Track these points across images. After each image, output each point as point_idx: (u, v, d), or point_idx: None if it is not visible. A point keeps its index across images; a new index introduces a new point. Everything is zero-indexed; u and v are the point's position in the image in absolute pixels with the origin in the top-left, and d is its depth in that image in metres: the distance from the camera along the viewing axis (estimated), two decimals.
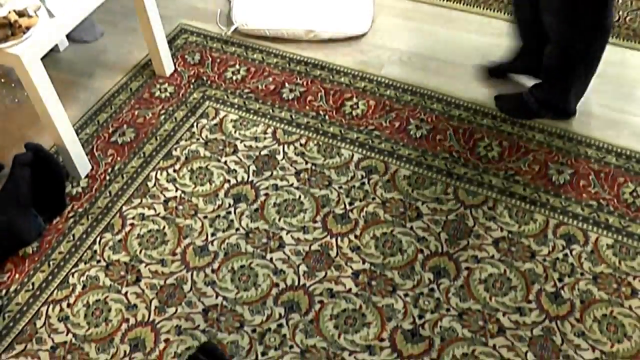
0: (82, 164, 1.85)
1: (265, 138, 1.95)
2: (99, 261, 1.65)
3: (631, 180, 1.82)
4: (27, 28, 1.56)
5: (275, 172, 1.85)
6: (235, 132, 1.97)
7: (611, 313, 1.53)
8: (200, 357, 1.39)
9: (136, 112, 2.06)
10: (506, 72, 2.12)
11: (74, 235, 1.71)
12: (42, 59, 1.62)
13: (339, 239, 1.68)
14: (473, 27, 2.36)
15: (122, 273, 1.62)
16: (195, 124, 2.01)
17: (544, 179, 1.82)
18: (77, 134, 1.92)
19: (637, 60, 2.20)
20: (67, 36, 2.32)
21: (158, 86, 2.15)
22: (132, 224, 1.73)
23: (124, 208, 1.77)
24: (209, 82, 2.16)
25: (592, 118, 2.00)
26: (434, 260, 1.63)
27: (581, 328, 1.50)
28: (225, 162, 1.88)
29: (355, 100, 2.07)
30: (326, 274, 1.61)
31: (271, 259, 1.64)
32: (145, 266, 1.63)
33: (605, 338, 1.48)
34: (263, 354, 1.46)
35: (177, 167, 1.88)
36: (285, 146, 1.92)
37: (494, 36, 2.30)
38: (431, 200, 1.77)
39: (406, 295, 1.56)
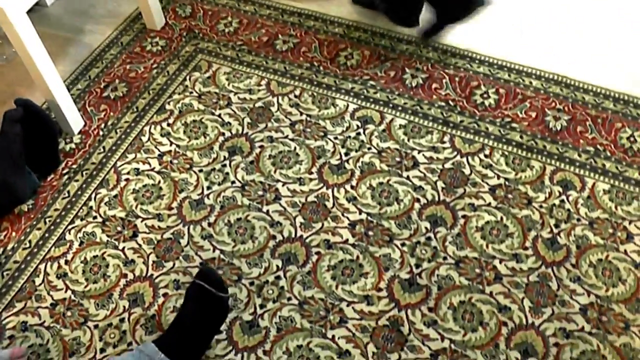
0: (75, 120, 1.83)
1: (259, 90, 1.93)
2: (95, 217, 1.65)
3: (628, 125, 1.80)
4: None
5: (270, 124, 1.83)
6: (228, 84, 1.95)
7: (607, 258, 1.53)
8: (201, 283, 1.40)
9: (128, 67, 2.03)
10: None
11: (69, 192, 1.70)
12: (30, 14, 1.59)
13: (335, 189, 1.68)
14: None
15: (119, 229, 1.62)
16: (188, 77, 1.98)
17: (540, 126, 1.81)
18: (69, 90, 1.89)
19: None
20: None
21: (149, 40, 2.11)
22: (127, 179, 1.72)
23: (119, 163, 1.76)
24: (200, 35, 2.12)
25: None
26: (430, 209, 1.63)
27: (577, 273, 1.51)
28: (220, 115, 1.86)
29: (349, 50, 2.04)
30: (323, 225, 1.61)
31: (267, 211, 1.64)
32: (142, 221, 1.63)
33: (601, 282, 1.49)
34: (261, 306, 1.47)
35: (170, 121, 1.86)
36: (280, 98, 1.90)
37: None
38: (427, 149, 1.76)
39: (403, 244, 1.57)
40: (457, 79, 1.94)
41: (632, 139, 1.77)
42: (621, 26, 2.12)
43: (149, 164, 1.76)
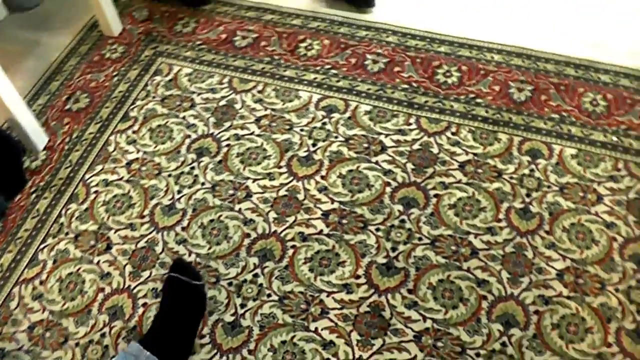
0: (39, 137, 1.81)
1: (221, 88, 1.92)
2: (67, 233, 1.63)
3: (590, 90, 1.82)
4: None
5: (235, 122, 1.82)
6: (190, 85, 1.94)
7: (579, 221, 1.55)
8: (175, 275, 1.40)
9: (88, 77, 2.01)
10: None
11: (38, 210, 1.68)
12: None
13: (306, 181, 1.67)
14: None
15: (92, 242, 1.61)
16: (149, 82, 1.96)
17: (505, 99, 1.82)
18: (30, 106, 1.87)
19: None
20: (5, 4, 2.23)
21: (108, 47, 2.09)
22: (96, 192, 1.71)
23: (87, 176, 1.74)
24: (159, 37, 2.10)
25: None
26: (402, 191, 1.64)
27: (551, 240, 1.52)
28: (184, 117, 1.85)
29: (309, 41, 2.03)
30: (296, 218, 1.60)
31: (240, 209, 1.63)
32: (115, 232, 1.62)
33: (575, 246, 1.51)
34: (242, 305, 1.47)
35: (135, 128, 1.84)
36: (243, 94, 1.89)
37: None
38: (394, 132, 1.76)
39: (377, 229, 1.57)
40: (418, 60, 1.94)
41: (594, 102, 1.79)
42: None
43: (117, 173, 1.74)
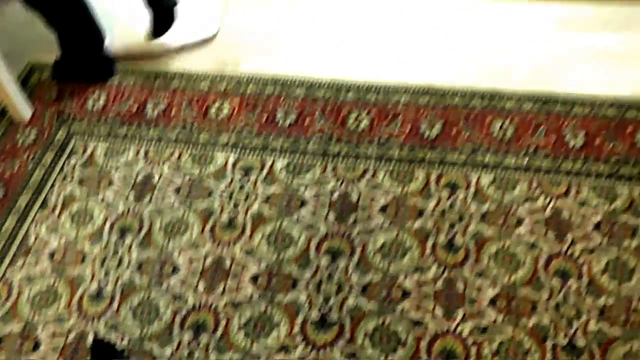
0: None
1: (138, 162, 1.90)
2: None
3: (498, 117, 1.88)
4: None
5: (154, 194, 1.81)
6: (107, 163, 1.92)
7: (503, 246, 1.59)
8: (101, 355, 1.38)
9: (2, 167, 1.96)
10: None
11: None
12: None
13: (231, 246, 1.67)
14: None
15: (18, 344, 1.56)
16: (65, 164, 1.93)
17: (417, 136, 1.86)
18: None
19: None
20: None
21: (20, 133, 2.05)
22: (19, 288, 1.66)
23: (8, 273, 1.70)
24: (71, 116, 2.08)
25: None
26: (327, 243, 1.65)
27: (480, 268, 1.55)
28: (103, 197, 1.83)
29: (219, 103, 2.04)
30: (225, 286, 1.59)
31: (168, 285, 1.61)
32: (42, 329, 1.57)
33: (503, 271, 1.54)
34: None
35: (56, 214, 1.81)
36: (160, 165, 1.88)
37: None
38: (312, 184, 1.77)
39: (307, 285, 1.57)
40: (328, 108, 1.97)
41: (503, 127, 1.85)
42: (465, 23, 2.22)
43: (40, 266, 1.70)
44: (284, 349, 1.47)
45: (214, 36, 2.28)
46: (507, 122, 1.87)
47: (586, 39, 2.18)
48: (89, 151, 1.96)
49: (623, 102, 1.91)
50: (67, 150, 1.98)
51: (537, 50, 2.13)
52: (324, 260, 1.61)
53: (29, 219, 1.81)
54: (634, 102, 1.91)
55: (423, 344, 1.45)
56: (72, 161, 1.94)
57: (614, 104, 1.90)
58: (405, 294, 1.53)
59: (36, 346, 1.55)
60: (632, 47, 2.14)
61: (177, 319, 1.55)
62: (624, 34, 2.20)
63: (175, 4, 2.19)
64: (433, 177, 1.75)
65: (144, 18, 2.21)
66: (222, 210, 1.74)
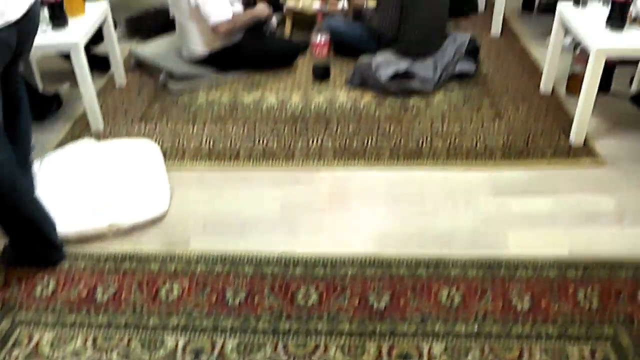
0: None
1: (86, 350, 1.85)
2: None
3: (444, 285, 1.92)
4: None
5: None
6: (53, 354, 1.85)
7: None
8: None
9: None
10: None
11: None
12: None
13: None
14: (266, 181, 2.48)
15: None
16: (7, 356, 1.86)
17: (366, 309, 1.87)
18: None
19: None
20: None
21: None
22: None
23: None
24: (17, 305, 2.03)
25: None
26: None
27: None
28: None
29: (168, 284, 2.04)
30: None
31: None
32: None
33: None
34: None
35: None
36: (109, 353, 1.83)
37: (288, 184, 2.45)
38: None
39: None
40: (277, 285, 1.98)
41: (450, 295, 1.88)
42: (405, 192, 2.34)
43: None
44: None
45: (164, 215, 2.32)
46: (453, 289, 1.91)
47: (521, 203, 2.31)
48: (34, 341, 1.90)
49: (562, 262, 1.98)
50: (11, 341, 1.91)
51: (476, 215, 2.24)
52: None
53: None
54: (572, 261, 1.99)
55: None
56: (15, 353, 1.87)
57: (554, 264, 1.98)
58: None
59: None
60: (563, 208, 2.28)
61: None
62: (555, 196, 2.34)
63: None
64: (385, 349, 1.74)
65: (94, 203, 2.25)
66: None
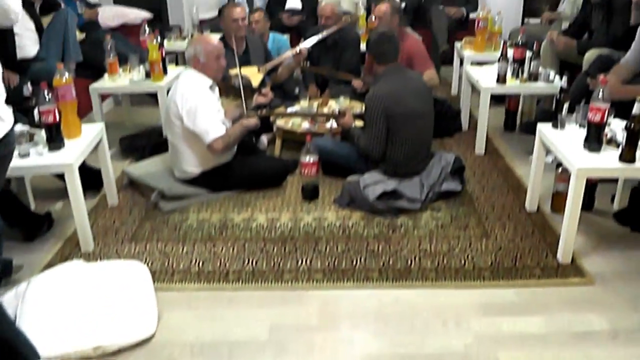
0: None
1: None
2: None
3: None
4: None
5: None
6: None
7: None
8: None
9: None
10: None
11: None
12: None
13: None
14: (255, 302, 2.46)
15: None
16: None
17: None
18: None
19: None
20: None
21: None
22: None
23: None
24: None
25: None
26: None
27: None
28: None
29: None
30: None
31: None
32: None
33: None
34: None
35: None
36: None
37: (277, 305, 2.44)
38: None
39: None
40: None
41: None
42: (394, 312, 2.33)
43: None
44: None
45: (150, 338, 2.28)
46: None
47: (511, 323, 2.29)
48: None
49: None
50: None
51: (467, 336, 2.22)
52: None
53: None
54: None
55: None
56: None
57: None
58: None
59: None
60: (554, 327, 2.26)
61: None
62: (545, 316, 2.33)
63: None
64: None
65: (80, 326, 2.22)
66: None
